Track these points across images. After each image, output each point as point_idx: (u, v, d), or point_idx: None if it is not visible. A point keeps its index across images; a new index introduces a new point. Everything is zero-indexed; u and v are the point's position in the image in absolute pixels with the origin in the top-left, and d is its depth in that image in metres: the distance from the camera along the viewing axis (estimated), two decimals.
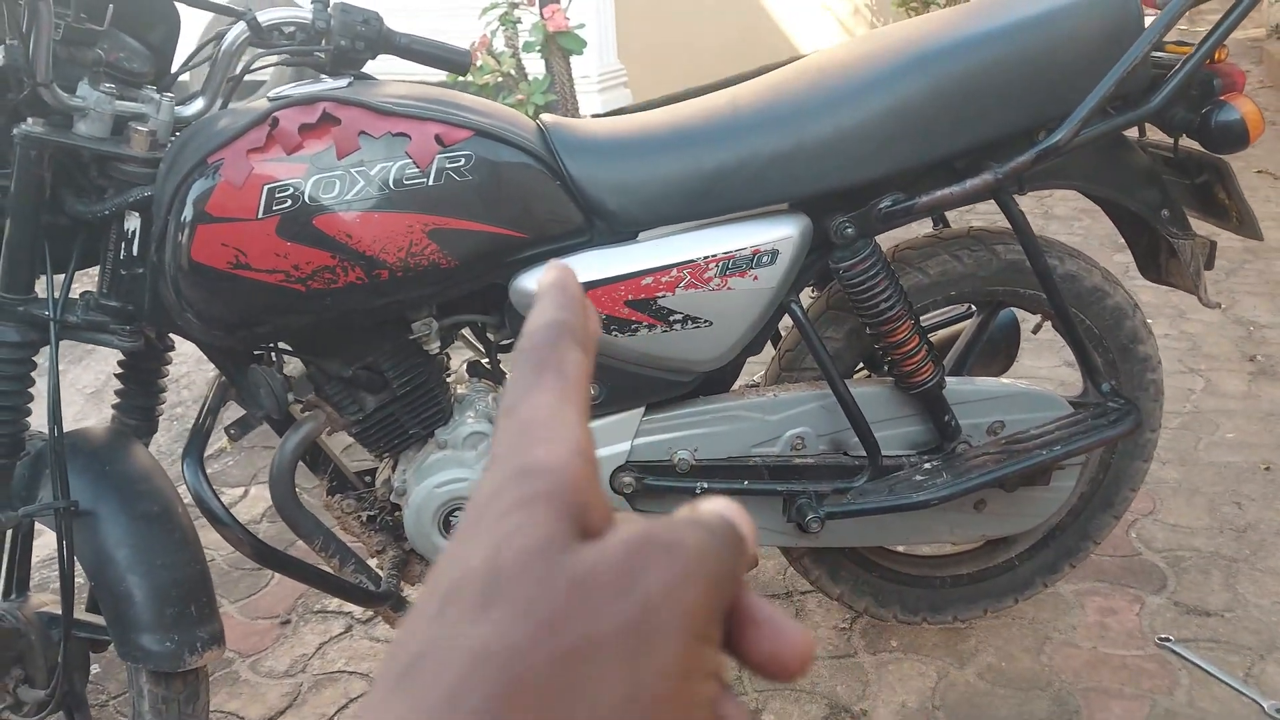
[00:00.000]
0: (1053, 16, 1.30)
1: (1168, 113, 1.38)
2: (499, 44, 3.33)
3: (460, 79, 3.44)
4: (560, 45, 3.15)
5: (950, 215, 1.66)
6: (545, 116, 1.35)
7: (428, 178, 1.18)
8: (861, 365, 1.56)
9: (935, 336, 1.67)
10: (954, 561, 1.69)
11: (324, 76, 1.31)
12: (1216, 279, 3.38)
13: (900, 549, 1.71)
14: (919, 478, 1.39)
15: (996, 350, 1.67)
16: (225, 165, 1.14)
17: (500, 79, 3.21)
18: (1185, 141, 1.42)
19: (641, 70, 4.67)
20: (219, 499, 1.29)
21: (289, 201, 1.15)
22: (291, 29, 1.33)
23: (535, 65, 3.60)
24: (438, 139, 1.19)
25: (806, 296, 1.48)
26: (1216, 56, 1.38)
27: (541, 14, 3.31)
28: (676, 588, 0.21)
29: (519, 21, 3.43)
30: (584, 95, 4.30)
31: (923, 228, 1.58)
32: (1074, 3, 1.30)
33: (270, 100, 1.21)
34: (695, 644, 0.21)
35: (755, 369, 1.65)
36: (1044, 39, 1.29)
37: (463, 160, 1.20)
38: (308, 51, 1.33)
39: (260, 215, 1.15)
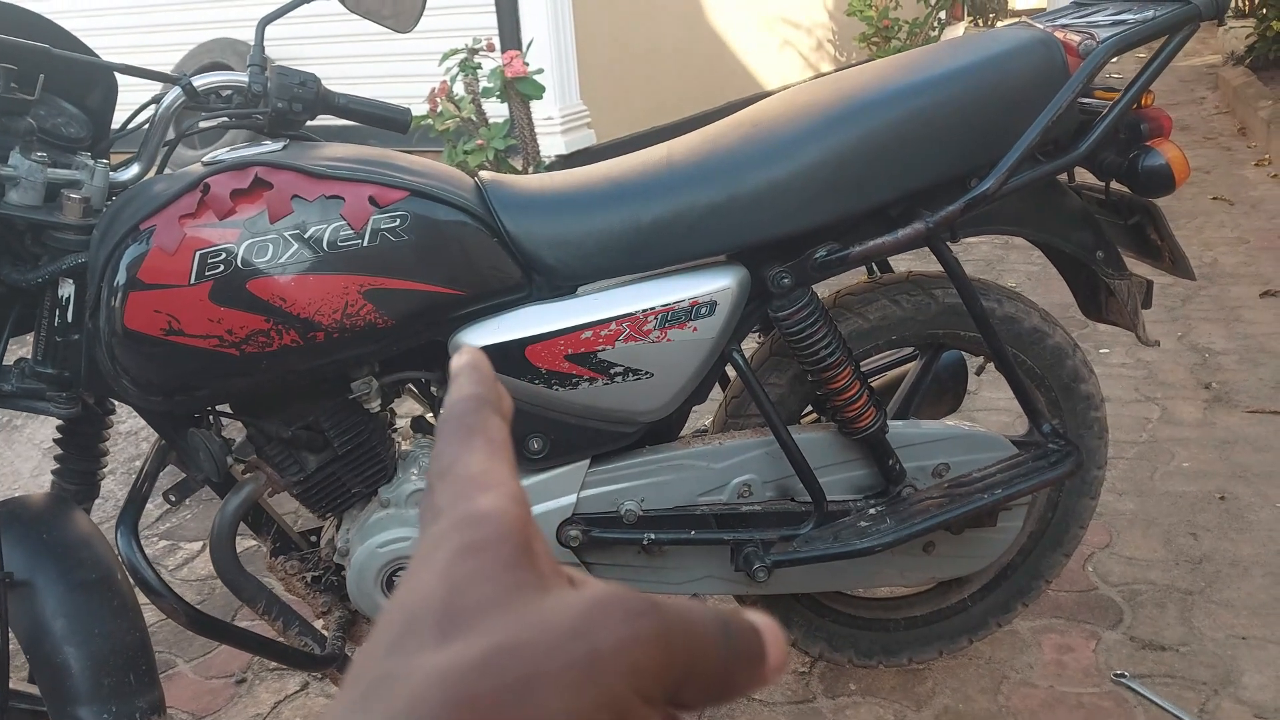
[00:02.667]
0: (980, 67, 1.32)
1: (1097, 158, 1.41)
2: (459, 90, 3.35)
3: (424, 122, 3.46)
4: (518, 91, 3.17)
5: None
6: (483, 174, 1.35)
7: (363, 239, 1.19)
8: (810, 409, 1.57)
9: (880, 380, 1.68)
10: (907, 604, 1.69)
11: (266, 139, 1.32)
12: (1172, 306, 3.43)
13: (853, 592, 1.71)
14: (864, 524, 1.40)
15: (944, 391, 1.68)
16: (157, 231, 1.14)
17: (460, 124, 3.23)
18: (1117, 184, 1.44)
19: (605, 110, 4.71)
20: (153, 567, 1.27)
21: (221, 267, 1.15)
22: (229, 92, 1.34)
23: (500, 109, 3.63)
24: (372, 200, 1.19)
25: (754, 341, 1.49)
26: (1143, 101, 1.41)
27: (502, 59, 3.33)
28: (629, 647, 0.22)
29: (479, 67, 3.46)
30: (547, 136, 4.33)
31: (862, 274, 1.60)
32: (1000, 53, 1.33)
33: (204, 165, 1.21)
34: (634, 699, 0.22)
35: (709, 411, 1.65)
36: (972, 89, 1.31)
37: (398, 220, 1.20)
38: (246, 114, 1.33)
39: (193, 281, 1.15)
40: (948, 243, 1.37)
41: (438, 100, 3.25)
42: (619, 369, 1.31)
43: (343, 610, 1.40)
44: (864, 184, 1.31)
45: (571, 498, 1.38)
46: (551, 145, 4.30)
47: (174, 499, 1.33)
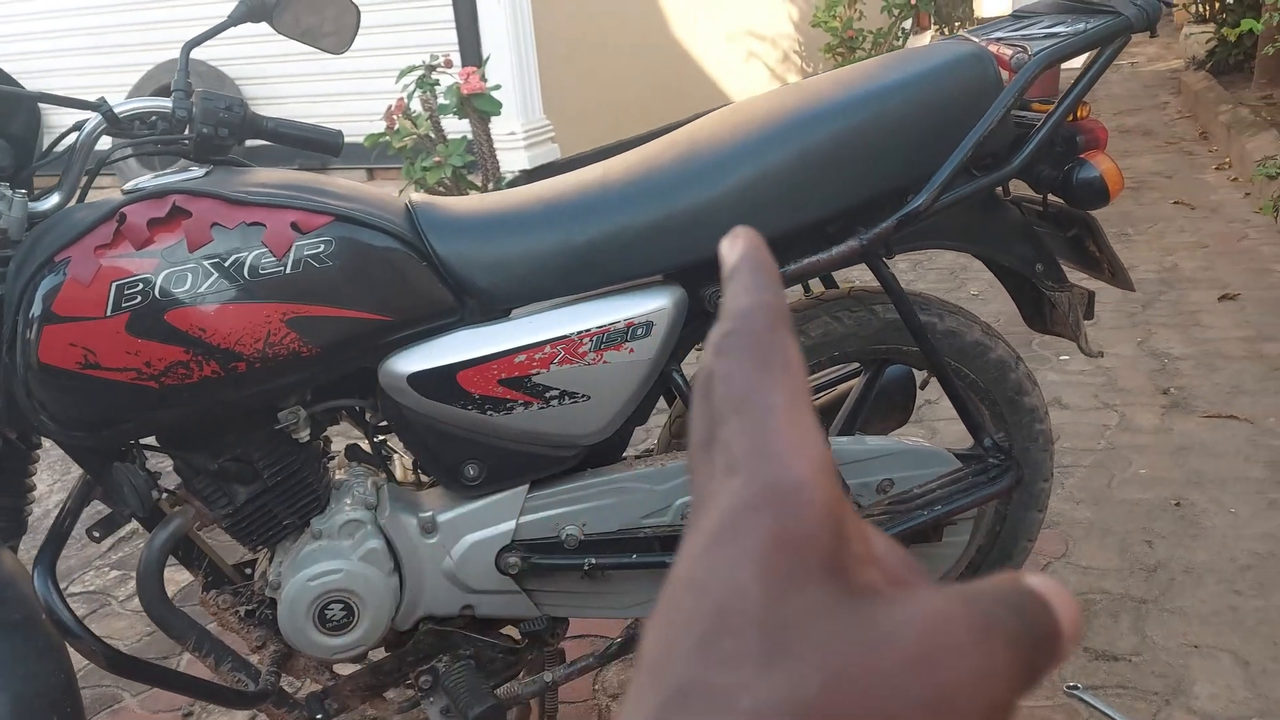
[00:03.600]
0: (914, 82, 1.32)
1: (1033, 171, 1.40)
2: (416, 106, 3.33)
3: (382, 140, 3.44)
4: (475, 107, 3.15)
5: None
6: (415, 196, 1.34)
7: (285, 266, 1.17)
8: None
9: (826, 396, 1.67)
10: None
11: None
12: (1132, 312, 3.45)
13: None
14: None
15: (893, 406, 1.67)
16: (72, 263, 1.12)
17: (417, 141, 3.21)
18: (1055, 197, 1.44)
19: (570, 124, 4.70)
20: (69, 608, 1.24)
21: (139, 298, 1.12)
22: (153, 118, 1.32)
23: (461, 126, 3.61)
24: (294, 226, 1.17)
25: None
26: (1079, 113, 1.41)
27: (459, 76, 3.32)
28: (983, 681, 0.20)
29: (437, 84, 3.44)
30: (510, 152, 4.32)
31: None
32: (934, 68, 1.33)
33: (124, 193, 1.19)
34: None
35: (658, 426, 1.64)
36: (906, 105, 1.31)
37: (322, 246, 1.18)
38: (171, 140, 1.31)
39: (109, 313, 1.12)
40: (884, 259, 1.36)
41: (394, 118, 3.23)
42: (554, 392, 1.29)
43: (278, 645, 1.37)
44: (799, 201, 1.30)
45: (510, 524, 1.36)
46: (515, 160, 4.29)
47: (98, 535, 1.30)
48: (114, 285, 1.12)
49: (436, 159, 3.15)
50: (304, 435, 1.28)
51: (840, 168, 1.29)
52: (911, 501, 1.42)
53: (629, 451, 1.49)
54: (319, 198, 1.21)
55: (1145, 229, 4.44)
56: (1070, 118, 1.40)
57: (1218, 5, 7.78)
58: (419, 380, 1.25)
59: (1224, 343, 3.13)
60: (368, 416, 1.37)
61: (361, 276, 1.20)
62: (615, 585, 1.43)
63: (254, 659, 1.39)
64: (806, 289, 1.44)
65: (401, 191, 3.51)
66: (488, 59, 3.69)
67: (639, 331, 1.30)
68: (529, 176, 4.33)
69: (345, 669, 1.42)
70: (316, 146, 1.40)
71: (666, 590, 0.22)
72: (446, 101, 3.21)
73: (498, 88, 3.31)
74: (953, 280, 3.94)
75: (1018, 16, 1.52)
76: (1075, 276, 1.55)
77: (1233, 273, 3.75)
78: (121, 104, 1.29)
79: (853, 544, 0.22)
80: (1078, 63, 1.40)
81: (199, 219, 1.14)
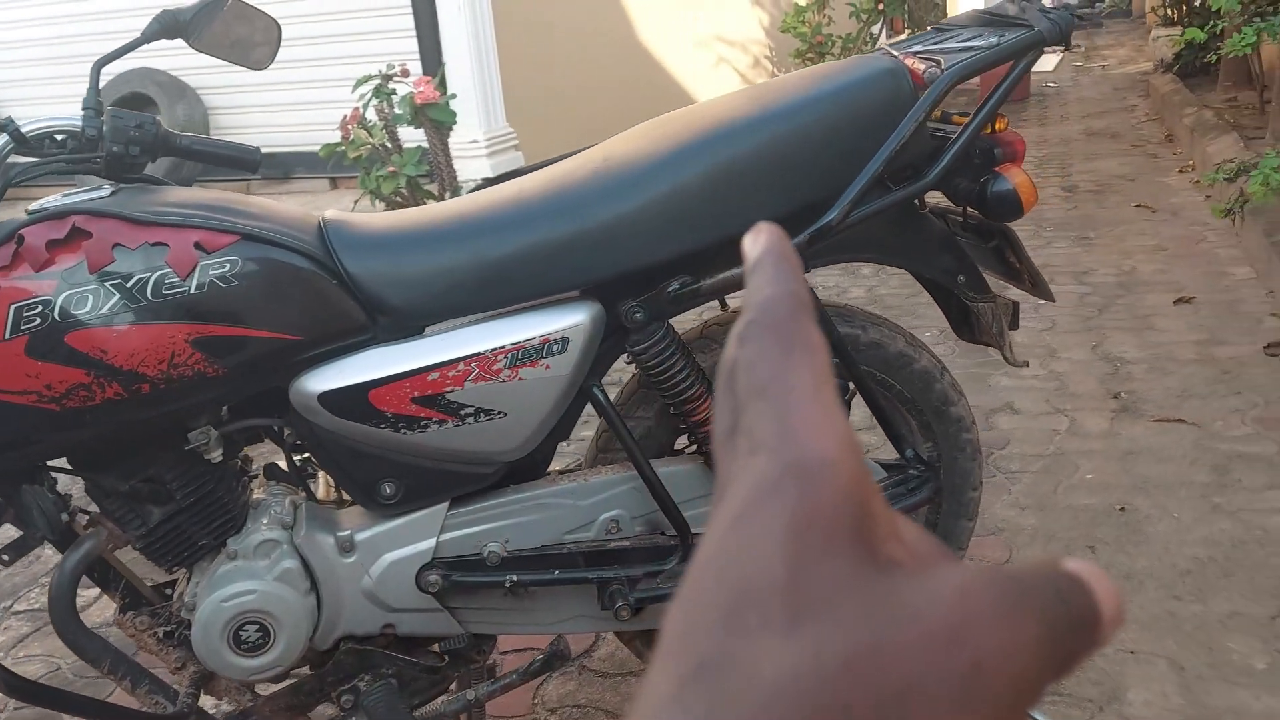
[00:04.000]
0: (828, 97, 1.32)
1: (951, 184, 1.41)
2: (372, 116, 3.32)
3: (337, 150, 3.43)
4: (430, 117, 3.15)
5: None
6: (329, 213, 1.33)
7: (189, 286, 1.16)
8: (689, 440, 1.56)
9: None
10: None
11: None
12: (1088, 316, 3.48)
13: None
14: None
15: None
16: None
17: (372, 151, 3.20)
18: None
19: (534, 132, 4.70)
20: None
21: (38, 320, 1.11)
22: (63, 136, 1.31)
23: (420, 135, 3.60)
24: (198, 246, 1.16)
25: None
26: (997, 126, 1.42)
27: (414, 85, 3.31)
28: (1011, 656, 0.20)
29: (393, 93, 3.43)
30: (472, 160, 4.31)
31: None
32: (849, 83, 1.33)
33: (28, 213, 1.18)
34: (1018, 708, 0.20)
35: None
36: (820, 119, 1.31)
37: (227, 266, 1.18)
38: (82, 159, 1.30)
39: (7, 335, 1.11)
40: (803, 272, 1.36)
41: (350, 128, 3.22)
42: (470, 410, 1.29)
43: (197, 666, 1.36)
44: (714, 216, 1.30)
45: (430, 542, 1.36)
46: (477, 169, 4.28)
47: (6, 558, 1.29)
48: (12, 307, 1.11)
49: (391, 169, 3.14)
50: (216, 455, 1.27)
51: (755, 183, 1.29)
52: None
53: (554, 466, 1.48)
54: (225, 217, 1.20)
55: (1106, 232, 4.47)
56: (989, 130, 1.41)
57: (1185, 9, 7.85)
58: (330, 399, 1.24)
59: (1177, 346, 3.16)
60: (285, 435, 1.36)
61: (268, 296, 1.20)
62: (539, 601, 1.43)
63: (174, 681, 1.38)
64: (723, 304, 1.45)
65: (356, 202, 3.50)
66: (443, 68, 3.68)
67: (555, 348, 1.30)
68: (491, 185, 4.31)
69: (267, 689, 1.41)
70: (233, 164, 1.39)
71: (690, 571, 0.22)
72: (401, 111, 3.20)
73: (453, 97, 3.30)
74: (914, 287, 3.96)
75: (939, 29, 1.53)
76: (1001, 287, 1.56)
77: (1189, 276, 3.78)
78: (30, 123, 1.28)
79: (878, 521, 0.22)
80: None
81: (100, 240, 1.14)
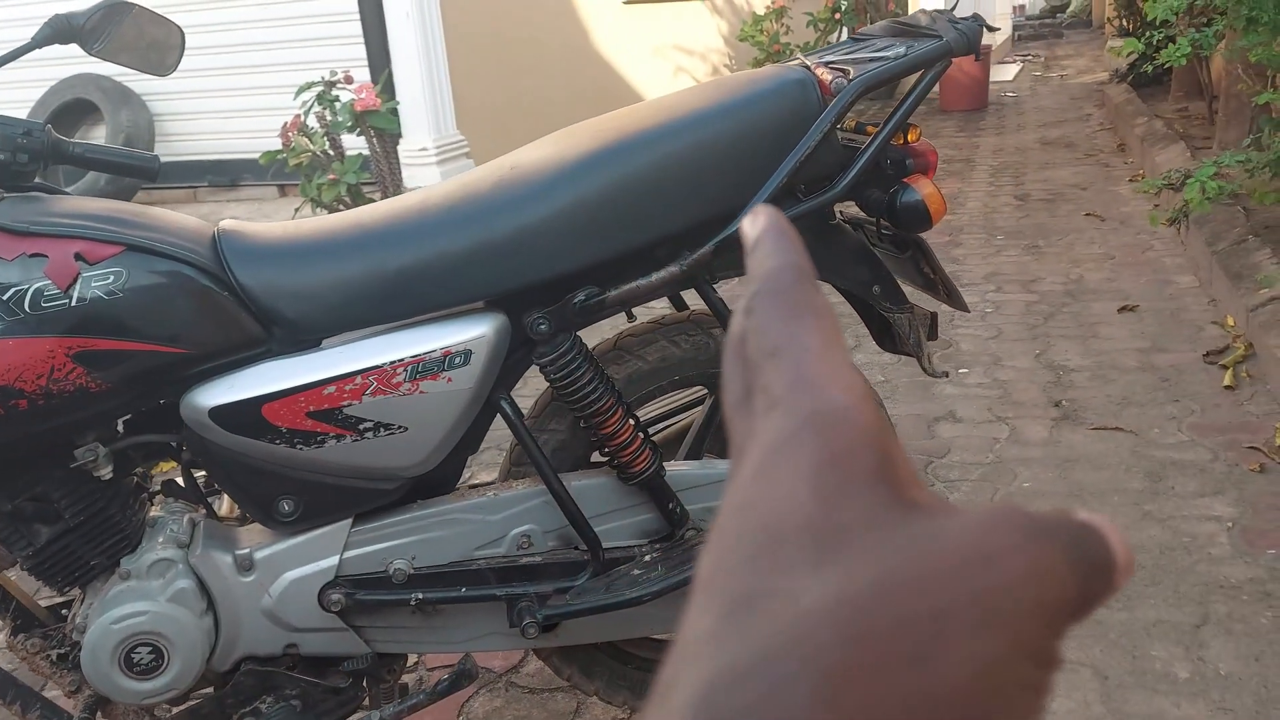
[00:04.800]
0: (734, 108, 1.31)
1: (864, 194, 1.40)
2: (313, 123, 3.28)
3: (279, 157, 3.38)
4: (371, 124, 3.11)
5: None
6: (225, 223, 1.30)
7: (70, 298, 1.12)
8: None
9: (682, 421, 1.66)
10: None
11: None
12: (1034, 324, 3.49)
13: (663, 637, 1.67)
14: (636, 572, 1.36)
15: None
16: None
17: (313, 158, 3.16)
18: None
19: (486, 139, 4.67)
20: None
21: None
22: None
23: (362, 143, 3.56)
24: (79, 256, 1.13)
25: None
26: (910, 137, 1.41)
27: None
28: (1039, 579, 0.20)
29: (336, 100, 3.39)
30: (421, 168, 4.27)
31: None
32: (756, 94, 1.32)
33: None
34: (1047, 637, 0.20)
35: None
36: (725, 130, 1.29)
37: (111, 277, 1.14)
38: None
39: None
40: (710, 284, 1.34)
41: (290, 135, 3.18)
42: (368, 424, 1.26)
43: (92, 690, 1.32)
44: (619, 227, 1.28)
45: (333, 559, 1.32)
46: (427, 176, 4.24)
47: None
48: None
49: (332, 176, 3.10)
50: (106, 473, 1.24)
51: (659, 194, 1.28)
52: None
53: (465, 480, 1.46)
54: (111, 227, 1.17)
55: (1056, 241, 4.51)
56: (901, 141, 1.40)
57: (1139, 20, 7.96)
58: (221, 414, 1.21)
59: (1120, 354, 3.18)
60: (182, 452, 1.32)
61: (154, 308, 1.16)
62: (448, 619, 1.40)
63: (69, 705, 1.34)
64: (630, 316, 1.43)
65: (297, 210, 3.46)
66: (386, 74, 3.64)
67: (457, 360, 1.27)
68: None
69: (166, 712, 1.37)
70: (130, 171, 1.35)
71: (715, 522, 0.22)
72: (342, 118, 3.16)
73: (395, 104, 3.26)
74: (835, 297, 3.96)
75: (856, 39, 1.52)
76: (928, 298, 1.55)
77: (1135, 285, 3.81)
78: None
79: (899, 466, 0.22)
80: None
81: None
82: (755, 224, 0.27)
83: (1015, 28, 14.91)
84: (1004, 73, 10.82)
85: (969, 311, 1.53)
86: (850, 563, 0.20)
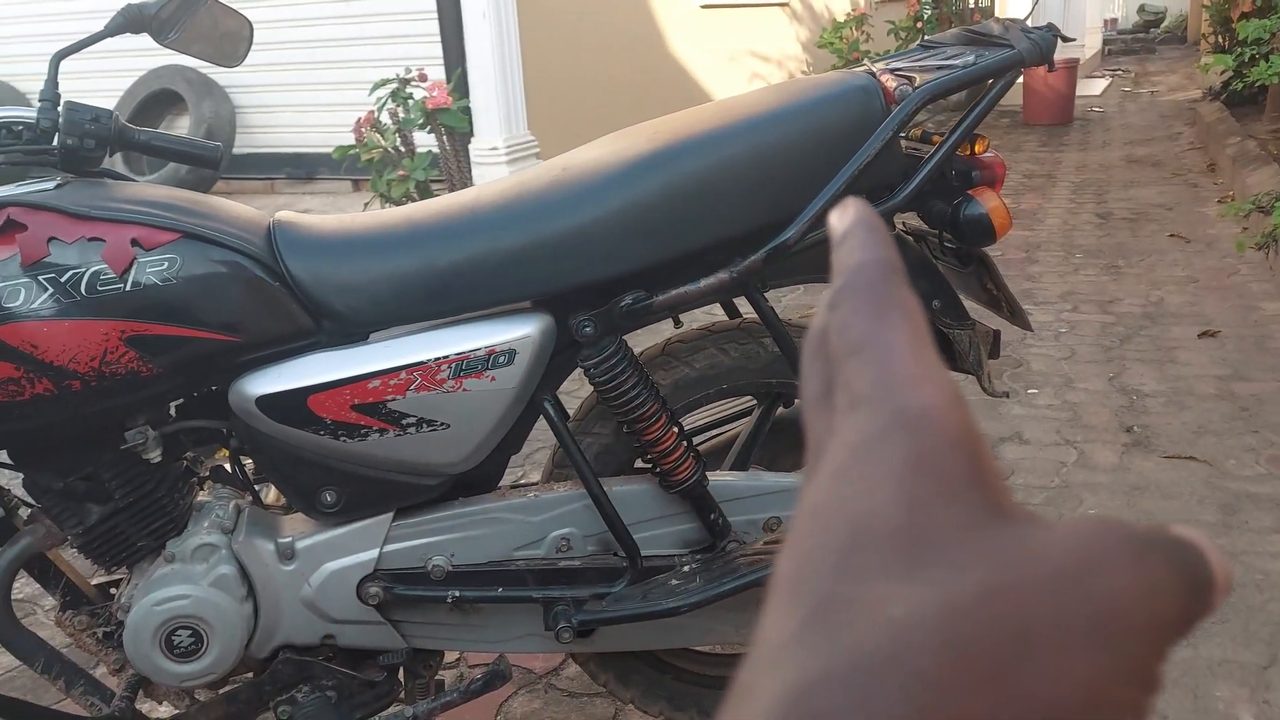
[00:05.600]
0: (795, 113, 1.28)
1: (927, 205, 1.36)
2: (385, 119, 3.33)
3: (351, 152, 3.43)
4: (441, 122, 3.14)
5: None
6: (280, 214, 1.31)
7: (125, 283, 1.14)
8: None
9: (730, 431, 1.63)
10: None
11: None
12: (1110, 346, 3.39)
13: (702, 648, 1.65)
14: (675, 582, 1.34)
15: (797, 442, 1.63)
16: None
17: (384, 154, 3.20)
18: None
19: (556, 141, 4.68)
20: None
21: None
22: (20, 128, 1.30)
23: (433, 140, 3.60)
24: (135, 242, 1.15)
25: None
26: (977, 148, 1.36)
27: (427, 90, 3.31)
28: (1147, 596, 0.19)
29: (410, 97, 3.43)
30: (491, 167, 4.30)
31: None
32: (817, 99, 1.29)
33: None
34: (1152, 659, 0.19)
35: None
36: (784, 136, 1.27)
37: (166, 264, 1.16)
38: (37, 151, 1.29)
39: None
40: (761, 292, 1.32)
41: (363, 130, 3.22)
42: (411, 420, 1.26)
43: (134, 668, 1.34)
44: (669, 232, 1.26)
45: (373, 552, 1.33)
46: (496, 175, 4.27)
47: None
48: None
49: (401, 172, 3.14)
50: (155, 456, 1.25)
51: (711, 199, 1.25)
52: None
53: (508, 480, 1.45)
54: (168, 214, 1.18)
55: (1137, 261, 4.37)
56: (967, 152, 1.36)
57: (1234, 36, 7.69)
58: (268, 403, 1.22)
59: (1197, 380, 3.06)
60: (230, 439, 1.34)
61: (207, 296, 1.18)
62: (484, 618, 1.39)
63: (113, 682, 1.36)
64: (677, 322, 1.41)
65: (366, 205, 3.51)
66: (458, 73, 3.67)
67: (501, 359, 1.26)
68: None
69: (207, 694, 1.39)
70: (193, 160, 1.37)
71: (794, 522, 0.21)
72: (413, 115, 3.20)
73: (465, 102, 3.29)
74: None
75: (926, 46, 1.48)
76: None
77: (1218, 309, 3.67)
78: None
79: (990, 472, 0.21)
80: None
81: (34, 233, 1.12)
82: (843, 217, 0.26)
83: (1105, 41, 14.53)
84: (1091, 87, 10.55)
85: (1032, 330, 1.48)
86: (948, 571, 0.19)
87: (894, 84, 1.27)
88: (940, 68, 1.31)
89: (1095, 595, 0.19)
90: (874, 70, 1.35)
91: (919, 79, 1.28)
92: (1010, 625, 0.18)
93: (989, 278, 1.40)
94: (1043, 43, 1.28)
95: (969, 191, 1.31)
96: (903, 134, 1.32)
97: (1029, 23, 1.35)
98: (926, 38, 1.48)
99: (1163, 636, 0.20)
